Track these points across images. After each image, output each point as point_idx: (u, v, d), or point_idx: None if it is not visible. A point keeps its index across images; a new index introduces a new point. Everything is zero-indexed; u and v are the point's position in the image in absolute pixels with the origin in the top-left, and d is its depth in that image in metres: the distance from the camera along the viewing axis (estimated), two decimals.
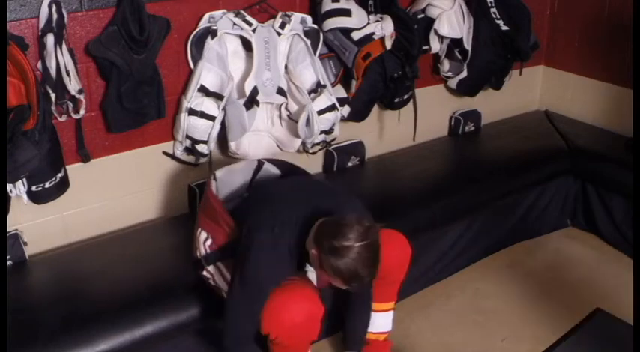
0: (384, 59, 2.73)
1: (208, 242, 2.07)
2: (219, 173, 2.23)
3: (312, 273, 1.95)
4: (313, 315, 1.88)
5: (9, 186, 2.07)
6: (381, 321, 2.30)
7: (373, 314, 2.28)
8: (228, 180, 2.25)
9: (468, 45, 3.12)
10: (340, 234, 1.71)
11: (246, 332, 1.93)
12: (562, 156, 3.29)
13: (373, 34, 2.67)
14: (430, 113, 3.25)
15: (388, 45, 2.70)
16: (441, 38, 3.11)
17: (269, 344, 1.96)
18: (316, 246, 1.78)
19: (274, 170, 2.31)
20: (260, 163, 2.32)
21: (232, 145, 2.56)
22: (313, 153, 2.81)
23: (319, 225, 1.81)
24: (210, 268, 2.06)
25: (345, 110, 2.80)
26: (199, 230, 2.11)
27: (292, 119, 2.60)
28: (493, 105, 3.59)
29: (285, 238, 1.86)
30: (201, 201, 2.22)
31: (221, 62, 2.46)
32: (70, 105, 2.19)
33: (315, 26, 2.65)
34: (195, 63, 2.46)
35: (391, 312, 2.31)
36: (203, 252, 2.08)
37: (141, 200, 2.58)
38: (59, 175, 2.20)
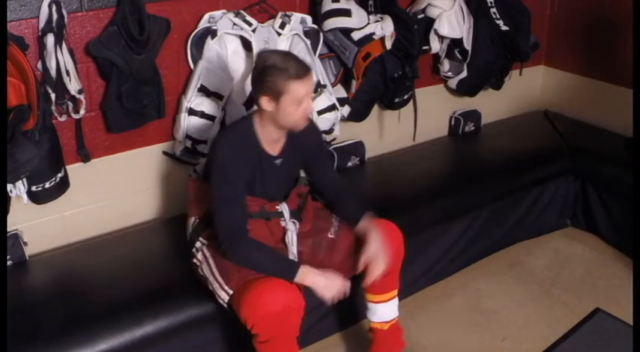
0: (384, 59, 2.73)
1: (192, 221, 2.19)
2: (199, 166, 2.32)
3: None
4: (289, 306, 1.88)
5: (9, 186, 2.07)
6: (383, 311, 2.28)
7: (375, 306, 2.26)
8: None
9: (468, 45, 3.12)
10: (265, 59, 1.93)
11: (234, 225, 1.98)
12: (562, 156, 3.29)
13: (373, 34, 2.67)
14: (430, 113, 3.25)
15: (388, 45, 2.70)
16: (441, 38, 3.11)
17: (254, 343, 1.96)
18: (259, 92, 1.95)
19: None
20: None
21: None
22: None
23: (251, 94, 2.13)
24: (199, 255, 2.08)
25: (345, 110, 2.80)
26: (189, 218, 2.22)
27: None
28: (493, 105, 3.60)
29: (236, 129, 2.09)
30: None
31: (221, 62, 2.46)
32: (70, 105, 2.19)
33: (315, 26, 2.65)
34: (195, 63, 2.46)
35: (393, 301, 2.28)
36: (189, 231, 2.18)
37: (141, 200, 2.58)
38: (59, 175, 2.21)
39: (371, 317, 2.29)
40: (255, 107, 2.06)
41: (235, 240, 1.96)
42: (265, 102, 1.94)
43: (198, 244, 2.12)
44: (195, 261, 2.11)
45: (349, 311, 2.46)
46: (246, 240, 1.98)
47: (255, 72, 1.95)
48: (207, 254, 2.06)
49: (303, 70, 1.92)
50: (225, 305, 1.97)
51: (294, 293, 1.91)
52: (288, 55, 1.98)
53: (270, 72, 1.90)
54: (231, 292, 1.94)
